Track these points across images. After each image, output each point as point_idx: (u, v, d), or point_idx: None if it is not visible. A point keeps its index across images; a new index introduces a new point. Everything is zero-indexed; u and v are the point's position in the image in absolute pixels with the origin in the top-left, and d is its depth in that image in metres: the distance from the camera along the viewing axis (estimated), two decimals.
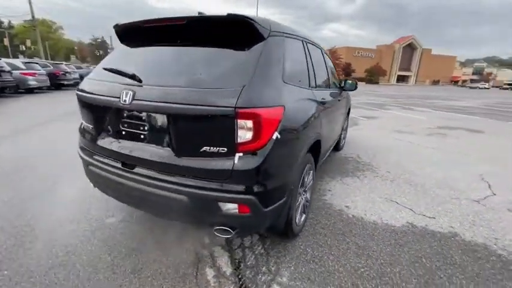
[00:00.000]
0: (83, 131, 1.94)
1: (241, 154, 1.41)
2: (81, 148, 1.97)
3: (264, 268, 1.78)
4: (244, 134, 1.38)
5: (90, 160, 1.83)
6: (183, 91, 1.41)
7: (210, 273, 1.73)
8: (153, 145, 1.56)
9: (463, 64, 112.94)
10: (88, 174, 1.98)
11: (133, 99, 1.48)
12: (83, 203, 2.47)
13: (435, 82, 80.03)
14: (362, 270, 1.79)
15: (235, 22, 1.51)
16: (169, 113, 1.43)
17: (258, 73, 1.45)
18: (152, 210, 1.85)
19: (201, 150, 1.43)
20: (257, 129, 1.38)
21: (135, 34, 1.88)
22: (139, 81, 1.53)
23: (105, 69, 1.72)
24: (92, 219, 2.24)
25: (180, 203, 1.50)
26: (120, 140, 1.67)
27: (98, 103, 1.68)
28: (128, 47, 1.92)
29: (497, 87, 65.36)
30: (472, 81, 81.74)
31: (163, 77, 1.59)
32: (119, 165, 1.68)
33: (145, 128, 1.55)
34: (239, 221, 1.54)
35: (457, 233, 2.24)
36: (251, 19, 1.49)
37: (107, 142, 1.73)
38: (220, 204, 1.46)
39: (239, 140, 1.38)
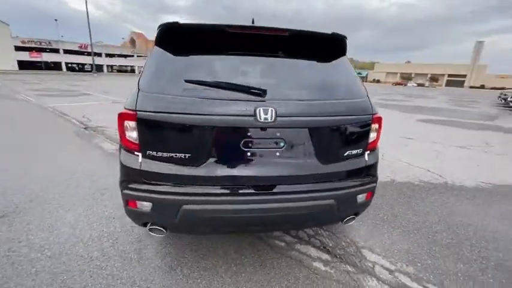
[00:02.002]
0: (158, 162, 1.44)
1: (368, 152, 1.70)
2: (153, 184, 1.44)
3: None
4: (373, 135, 1.68)
5: (186, 198, 1.43)
6: (323, 104, 1.52)
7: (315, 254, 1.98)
8: (294, 159, 1.52)
9: None
10: (177, 218, 1.44)
11: (276, 115, 1.40)
12: None
13: None
14: None
15: (336, 39, 1.66)
16: (312, 126, 1.50)
17: (359, 83, 1.72)
18: (286, 226, 1.93)
19: (345, 154, 1.61)
20: (378, 130, 1.71)
21: (206, 39, 1.60)
22: (263, 95, 1.43)
23: (204, 83, 1.44)
24: None
25: (327, 207, 1.57)
26: (247, 162, 1.48)
27: (214, 123, 1.39)
28: (186, 54, 1.58)
29: None
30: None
31: (280, 89, 1.56)
32: (250, 190, 1.48)
33: (281, 144, 1.48)
34: (363, 207, 1.80)
35: None
36: (346, 37, 1.67)
37: (223, 169, 1.46)
38: (358, 196, 1.65)
39: (369, 141, 1.67)
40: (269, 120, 1.39)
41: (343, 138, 1.59)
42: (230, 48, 1.61)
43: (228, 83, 1.48)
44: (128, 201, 1.50)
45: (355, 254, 2.02)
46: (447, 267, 1.91)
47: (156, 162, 1.45)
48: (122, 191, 1.50)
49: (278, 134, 1.46)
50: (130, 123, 1.41)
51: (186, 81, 1.46)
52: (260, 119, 1.38)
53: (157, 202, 1.45)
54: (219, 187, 1.47)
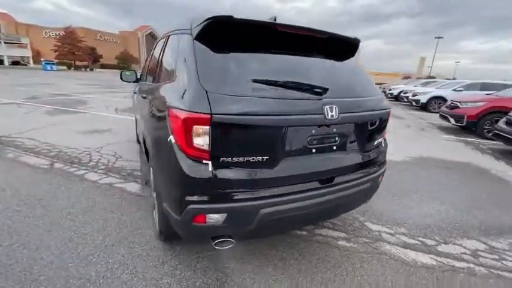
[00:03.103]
0: (233, 167, 1.38)
1: (384, 140, 2.09)
2: (241, 192, 1.39)
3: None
4: (387, 124, 2.01)
5: (264, 202, 1.41)
6: (363, 101, 1.76)
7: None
8: (345, 152, 1.71)
9: None
10: (254, 223, 1.42)
11: (339, 113, 1.52)
12: None
13: None
14: None
15: (356, 42, 1.90)
16: (358, 121, 1.71)
17: (373, 82, 2.02)
18: (332, 214, 2.05)
19: (375, 143, 1.91)
20: (388, 121, 2.01)
21: (256, 36, 1.58)
22: (321, 94, 1.54)
23: (272, 82, 1.44)
24: None
25: (366, 191, 1.86)
26: (313, 158, 1.57)
27: (288, 123, 1.42)
28: (239, 51, 1.52)
29: None
30: None
31: (330, 88, 1.61)
32: (316, 185, 1.57)
33: (337, 138, 1.64)
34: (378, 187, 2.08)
35: None
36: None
37: (294, 167, 1.51)
38: (379, 178, 1.96)
39: (386, 129, 2.00)
40: (334, 117, 1.53)
41: (375, 130, 1.87)
42: (276, 47, 1.63)
43: (295, 82, 1.53)
44: (194, 217, 1.35)
45: (363, 228, 2.40)
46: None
47: (230, 168, 1.37)
48: (183, 207, 1.35)
49: (335, 130, 1.61)
50: (201, 129, 1.28)
51: (254, 80, 1.42)
52: (327, 116, 1.50)
53: (234, 211, 1.38)
54: (291, 186, 1.51)
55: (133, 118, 4.94)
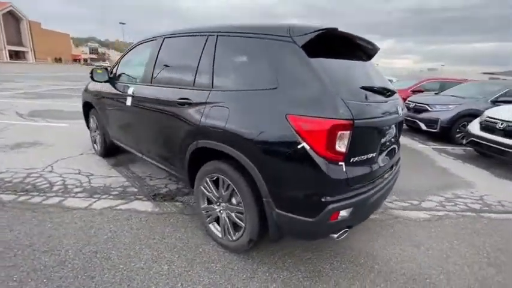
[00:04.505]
0: (358, 166, 1.56)
1: None
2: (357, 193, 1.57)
3: None
4: None
5: (371, 192, 1.66)
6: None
7: None
8: (396, 144, 2.12)
9: (78, 43, 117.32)
10: (365, 212, 1.79)
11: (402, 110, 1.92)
12: None
13: (58, 60, 74.59)
14: None
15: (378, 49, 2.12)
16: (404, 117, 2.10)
17: None
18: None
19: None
20: None
21: (342, 46, 1.79)
22: (391, 95, 1.87)
23: (372, 89, 1.70)
24: None
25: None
26: (388, 151, 1.92)
27: (388, 123, 1.76)
28: (335, 58, 1.68)
29: None
30: (92, 59, 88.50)
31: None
32: (388, 172, 1.93)
33: (397, 133, 2.04)
34: None
35: None
36: None
37: (382, 160, 1.83)
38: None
39: None
40: (402, 114, 1.89)
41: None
42: (348, 55, 1.83)
43: (377, 86, 1.79)
44: (331, 216, 1.46)
45: None
46: None
47: (355, 167, 1.54)
48: (321, 208, 1.44)
49: (393, 126, 1.96)
50: (344, 134, 1.40)
51: (362, 87, 1.61)
52: (400, 114, 1.83)
53: (357, 204, 1.56)
54: (381, 176, 1.80)
55: (84, 125, 4.04)
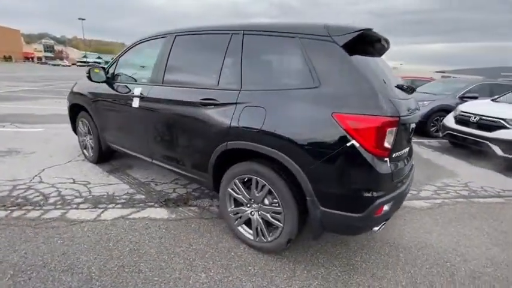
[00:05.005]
0: (396, 161, 1.67)
1: None
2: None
3: None
4: None
5: (406, 185, 1.80)
6: None
7: None
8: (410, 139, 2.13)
9: (29, 40, 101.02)
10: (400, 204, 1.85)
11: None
12: None
13: (7, 59, 66.34)
14: None
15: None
16: None
17: None
18: None
19: None
20: None
21: (368, 45, 1.78)
22: (412, 92, 1.94)
23: (401, 87, 1.79)
24: None
25: None
26: (409, 145, 1.99)
27: (415, 120, 1.84)
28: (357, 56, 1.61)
29: (73, 64, 68.74)
30: (48, 58, 77.94)
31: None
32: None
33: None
34: None
35: None
36: None
37: (409, 154, 1.99)
38: None
39: None
40: (418, 110, 2.00)
41: None
42: (372, 53, 1.82)
43: (405, 84, 1.87)
44: (378, 209, 1.52)
45: None
46: None
47: (396, 162, 1.63)
48: (369, 203, 1.49)
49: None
50: (392, 130, 1.46)
51: (396, 86, 1.68)
52: (415, 112, 1.90)
53: (396, 197, 1.63)
54: (409, 170, 1.94)
55: (73, 129, 3.72)
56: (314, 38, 1.61)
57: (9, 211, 2.29)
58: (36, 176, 2.98)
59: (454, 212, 2.80)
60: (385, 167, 1.51)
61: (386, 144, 1.48)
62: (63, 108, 7.24)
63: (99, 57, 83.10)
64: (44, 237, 1.98)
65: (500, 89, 6.35)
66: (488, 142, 4.32)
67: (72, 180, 2.93)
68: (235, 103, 1.83)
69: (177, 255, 1.88)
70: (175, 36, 2.32)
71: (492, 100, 5.30)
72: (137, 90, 2.48)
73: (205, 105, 1.99)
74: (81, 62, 68.62)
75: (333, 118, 1.48)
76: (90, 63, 70.00)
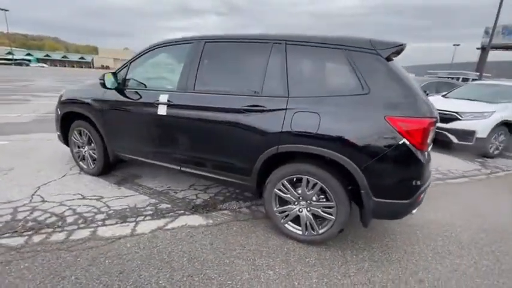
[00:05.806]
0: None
1: None
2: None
3: None
4: None
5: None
6: None
7: None
8: None
9: None
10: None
11: None
12: None
13: None
14: None
15: None
16: None
17: None
18: None
19: None
20: None
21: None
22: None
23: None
24: None
25: None
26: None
27: None
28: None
29: None
30: None
31: None
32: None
33: None
34: None
35: None
36: None
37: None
38: None
39: None
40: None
41: None
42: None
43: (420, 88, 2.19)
44: (419, 197, 1.83)
45: None
46: None
47: (428, 155, 1.92)
48: (415, 191, 1.78)
49: None
50: (433, 128, 1.78)
51: (424, 91, 1.96)
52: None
53: (428, 184, 1.95)
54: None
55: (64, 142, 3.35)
56: (362, 51, 1.83)
57: (26, 236, 2.04)
58: (34, 195, 2.65)
59: (441, 192, 3.35)
60: (426, 160, 1.82)
61: (429, 141, 1.78)
62: (12, 115, 6.31)
63: (28, 54, 72.40)
64: (87, 259, 1.84)
65: (445, 86, 7.56)
66: (446, 132, 5.16)
67: (80, 196, 2.69)
68: (285, 109, 1.96)
69: (237, 258, 1.94)
70: (205, 42, 2.32)
71: (442, 96, 6.29)
72: (163, 97, 2.40)
73: (249, 111, 2.06)
74: (4, 59, 58.88)
75: (386, 120, 1.72)
76: (18, 61, 60.86)
